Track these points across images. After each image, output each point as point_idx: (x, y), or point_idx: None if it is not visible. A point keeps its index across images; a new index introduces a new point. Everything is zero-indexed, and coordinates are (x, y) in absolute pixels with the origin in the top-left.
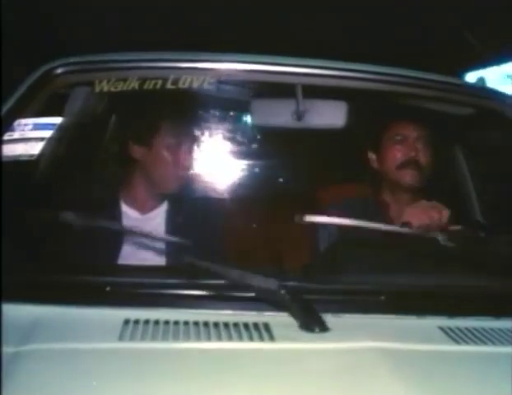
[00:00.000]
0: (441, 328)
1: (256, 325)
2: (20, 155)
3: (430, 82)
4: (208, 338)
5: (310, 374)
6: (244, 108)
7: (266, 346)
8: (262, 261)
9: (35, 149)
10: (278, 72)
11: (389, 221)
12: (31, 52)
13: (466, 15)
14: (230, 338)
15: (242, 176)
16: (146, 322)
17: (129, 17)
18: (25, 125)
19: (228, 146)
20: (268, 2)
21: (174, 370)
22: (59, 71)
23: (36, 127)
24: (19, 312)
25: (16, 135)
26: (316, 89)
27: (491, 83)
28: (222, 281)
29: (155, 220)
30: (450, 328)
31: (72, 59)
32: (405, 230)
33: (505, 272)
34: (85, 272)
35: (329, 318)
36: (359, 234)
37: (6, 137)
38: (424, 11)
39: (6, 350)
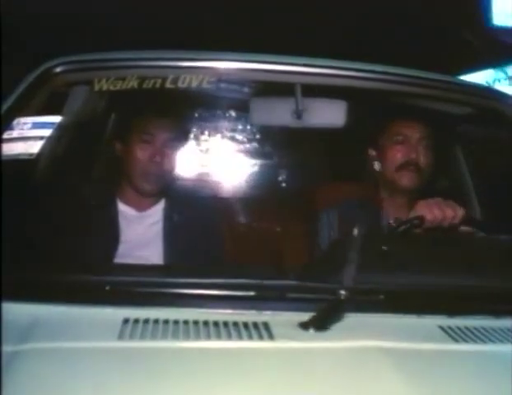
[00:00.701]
0: (441, 327)
1: (255, 324)
2: (19, 154)
3: (430, 82)
4: (208, 337)
5: (310, 372)
6: (243, 107)
7: (265, 344)
8: (261, 259)
9: (35, 148)
10: (277, 71)
11: (386, 222)
12: (31, 52)
13: (465, 15)
14: (229, 337)
15: (241, 175)
16: (146, 321)
17: (129, 17)
18: (25, 124)
19: (227, 145)
20: (268, 2)
21: (173, 369)
22: (59, 69)
23: (35, 125)
24: (18, 311)
25: (15, 133)
26: (315, 88)
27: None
28: (222, 281)
29: (153, 218)
30: (450, 327)
31: (71, 58)
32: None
33: (504, 272)
34: (84, 271)
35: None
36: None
37: (5, 135)
38: (424, 11)
39: (6, 349)
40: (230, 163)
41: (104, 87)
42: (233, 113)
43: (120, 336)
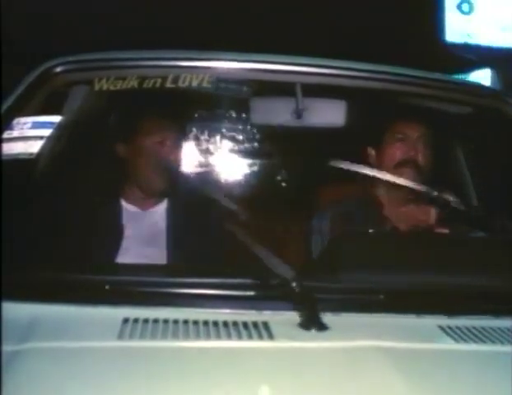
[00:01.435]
0: (441, 327)
1: (255, 324)
2: (19, 154)
3: (430, 81)
4: (207, 337)
5: (309, 372)
6: (243, 106)
7: (265, 344)
8: (261, 259)
9: (34, 147)
10: (278, 71)
11: (384, 221)
12: (31, 52)
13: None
14: (229, 337)
15: (242, 175)
16: (146, 320)
17: (129, 17)
18: (25, 123)
19: (227, 145)
20: (268, 2)
21: (173, 369)
22: (58, 69)
23: (35, 125)
24: (18, 310)
25: (15, 133)
26: (315, 87)
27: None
28: (222, 280)
29: (156, 217)
30: (450, 327)
31: (71, 58)
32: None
33: (504, 272)
34: (84, 271)
35: (329, 317)
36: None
37: (5, 135)
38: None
39: (6, 348)
40: (231, 163)
41: (105, 87)
42: (233, 113)
43: (120, 336)
